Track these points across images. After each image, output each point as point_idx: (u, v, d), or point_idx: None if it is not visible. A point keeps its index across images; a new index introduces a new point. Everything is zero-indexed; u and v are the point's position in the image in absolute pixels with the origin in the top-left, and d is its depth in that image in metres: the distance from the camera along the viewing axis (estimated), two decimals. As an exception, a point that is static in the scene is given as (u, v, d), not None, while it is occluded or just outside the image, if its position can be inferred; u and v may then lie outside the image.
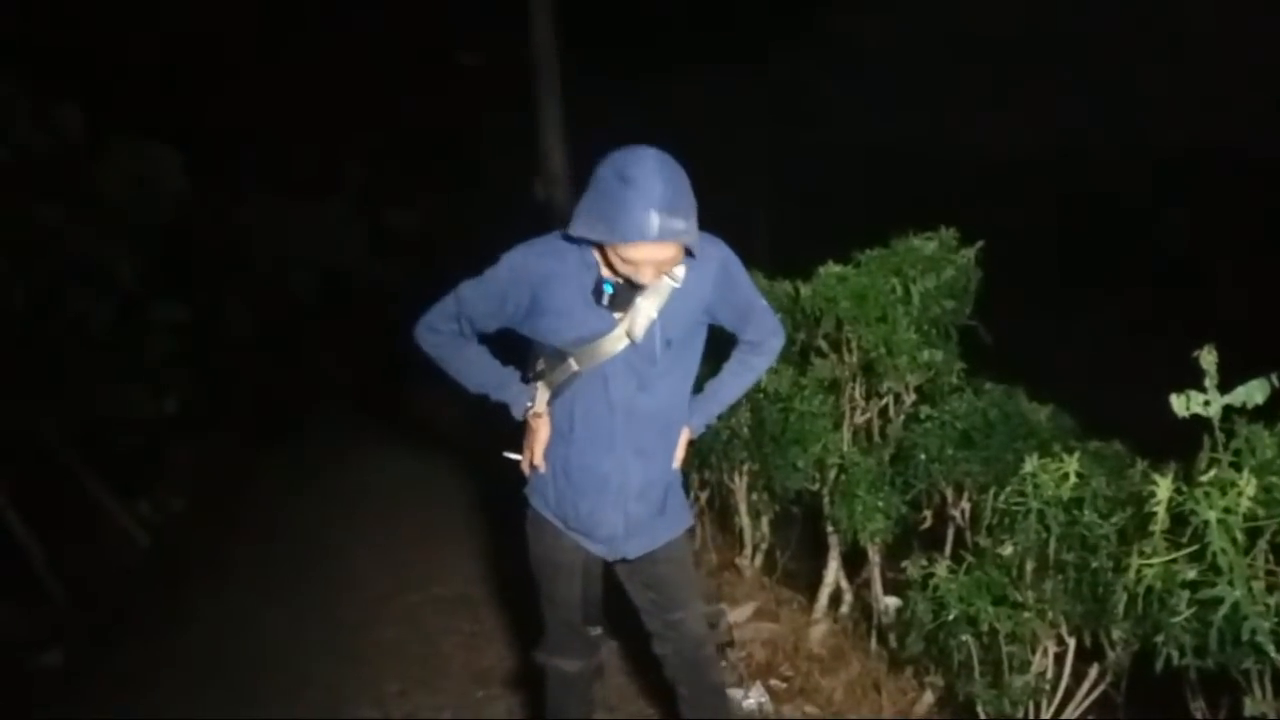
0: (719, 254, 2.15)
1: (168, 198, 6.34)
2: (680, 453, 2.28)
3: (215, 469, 6.86)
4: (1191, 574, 1.85)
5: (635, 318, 2.05)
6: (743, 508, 3.98)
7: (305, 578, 4.84)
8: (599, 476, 2.16)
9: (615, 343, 2.08)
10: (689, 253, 2.01)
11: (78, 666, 4.23)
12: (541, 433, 2.21)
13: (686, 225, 1.91)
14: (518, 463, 2.28)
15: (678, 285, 2.07)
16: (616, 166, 1.90)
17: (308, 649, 3.99)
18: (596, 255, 2.05)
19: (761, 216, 10.61)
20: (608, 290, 2.06)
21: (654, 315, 2.06)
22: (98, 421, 5.77)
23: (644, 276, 1.97)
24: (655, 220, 1.86)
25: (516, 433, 2.26)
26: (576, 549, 2.26)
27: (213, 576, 5.11)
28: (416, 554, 4.93)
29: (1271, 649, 1.75)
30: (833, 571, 3.55)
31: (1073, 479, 2.27)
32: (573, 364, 2.11)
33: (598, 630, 2.40)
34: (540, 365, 2.20)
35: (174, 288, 6.50)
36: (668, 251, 1.94)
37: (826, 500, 3.35)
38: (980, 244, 3.27)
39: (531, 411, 2.20)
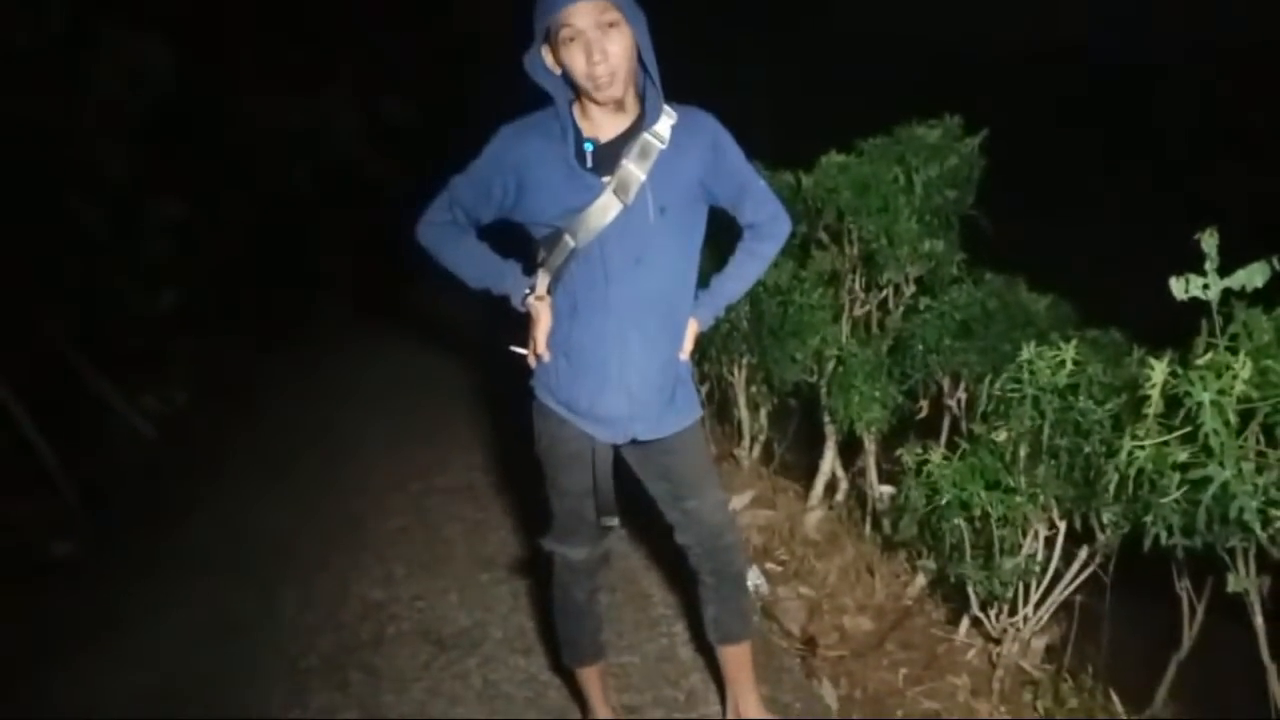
0: (709, 124, 2.11)
1: (160, 90, 6.22)
2: (688, 344, 2.25)
3: (218, 364, 6.87)
4: (1183, 455, 1.87)
5: (623, 178, 2.01)
6: (741, 400, 4.01)
7: (311, 468, 4.91)
8: (600, 356, 2.14)
9: (606, 209, 2.03)
10: (647, 71, 1.98)
11: (89, 557, 4.31)
12: (543, 319, 2.18)
13: None
14: (523, 356, 2.26)
15: (664, 146, 2.03)
16: None
17: (316, 536, 4.07)
18: (576, 112, 2.01)
19: (762, 105, 10.42)
20: (588, 149, 2.02)
21: (642, 177, 2.02)
22: (98, 319, 5.76)
23: (599, 68, 1.90)
24: None
25: (521, 326, 2.25)
26: (582, 436, 2.24)
27: (219, 468, 5.18)
28: (421, 445, 4.99)
29: (1258, 526, 1.78)
30: (829, 461, 3.60)
31: (1069, 366, 2.28)
32: (568, 240, 2.07)
33: (613, 520, 2.38)
34: (540, 253, 2.17)
35: (170, 183, 6.42)
36: (605, 12, 1.88)
37: (824, 391, 3.37)
38: (985, 131, 3.22)
39: (532, 297, 2.18)
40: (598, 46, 1.89)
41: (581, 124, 2.03)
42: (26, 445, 4.96)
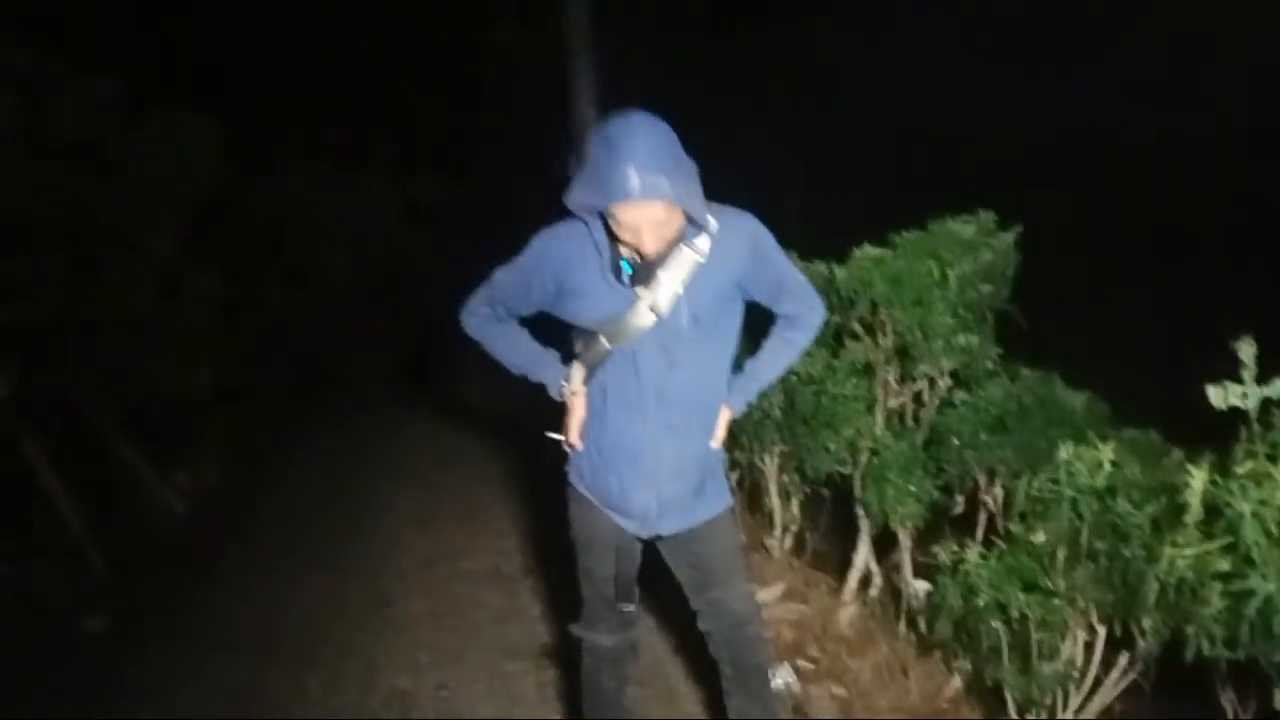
0: (749, 227, 2.17)
1: (205, 170, 6.41)
2: (720, 433, 2.28)
3: (251, 441, 6.97)
4: (1224, 565, 1.86)
5: (658, 293, 2.07)
6: (773, 489, 4.00)
7: (341, 549, 4.94)
8: (631, 453, 2.19)
9: (641, 320, 2.09)
10: (694, 223, 2.04)
11: (121, 632, 4.33)
12: (578, 411, 2.24)
13: (672, 184, 1.92)
14: (559, 442, 2.31)
15: (702, 260, 2.09)
16: (603, 132, 1.95)
17: (344, 617, 4.09)
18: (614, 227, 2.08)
19: (795, 198, 10.57)
20: (625, 269, 2.09)
21: (678, 290, 2.08)
22: (135, 393, 5.86)
23: (646, 245, 1.99)
24: (635, 178, 1.88)
25: (559, 412, 2.30)
26: (611, 525, 2.29)
27: (250, 546, 5.22)
28: (450, 528, 5.02)
29: (1304, 642, 1.76)
30: (862, 554, 3.57)
31: (1107, 467, 2.27)
32: (604, 342, 2.14)
33: (631, 607, 2.43)
34: (576, 345, 2.23)
35: (210, 261, 6.58)
36: (656, 211, 1.95)
37: (858, 483, 3.36)
38: (1019, 229, 3.26)
39: (568, 390, 2.23)
40: (649, 238, 1.98)
41: (620, 240, 2.07)
42: (58, 518, 5.03)
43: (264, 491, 6.18)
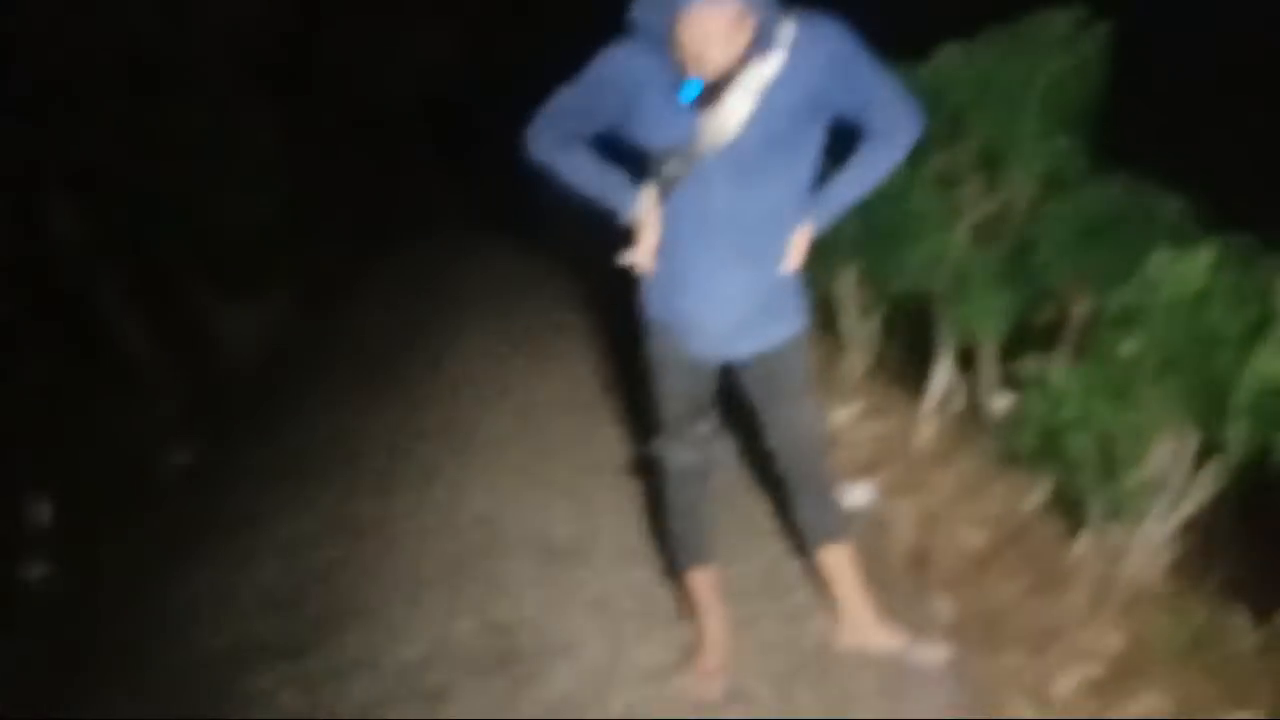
0: (830, 35, 2.09)
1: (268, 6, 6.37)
2: (797, 255, 2.28)
3: (323, 274, 7.12)
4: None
5: (727, 115, 2.05)
6: (850, 307, 4.03)
7: (416, 380, 5.13)
8: (703, 275, 2.23)
9: (711, 141, 2.08)
10: (767, 34, 2.00)
11: (207, 468, 4.59)
12: (649, 235, 2.26)
13: None
14: (632, 266, 2.35)
15: (776, 75, 2.04)
16: None
17: (426, 443, 4.30)
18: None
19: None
20: (694, 89, 2.05)
21: (748, 110, 2.05)
22: (201, 228, 6.00)
23: (714, 57, 1.96)
24: None
25: (631, 237, 2.33)
26: (683, 349, 2.36)
27: (326, 380, 5.44)
28: (525, 355, 5.17)
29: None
30: (943, 371, 3.61)
31: (1200, 275, 2.26)
32: (674, 166, 2.14)
33: (709, 425, 2.54)
34: (648, 168, 2.24)
35: (275, 95, 6.61)
36: (722, 20, 1.92)
37: (940, 299, 3.37)
38: (1114, 20, 3.12)
39: (639, 213, 2.25)
40: (716, 51, 1.95)
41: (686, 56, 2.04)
42: (135, 358, 5.27)
43: (337, 326, 6.38)
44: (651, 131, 2.14)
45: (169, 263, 5.82)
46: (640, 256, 2.30)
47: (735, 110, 2.05)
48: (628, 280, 2.41)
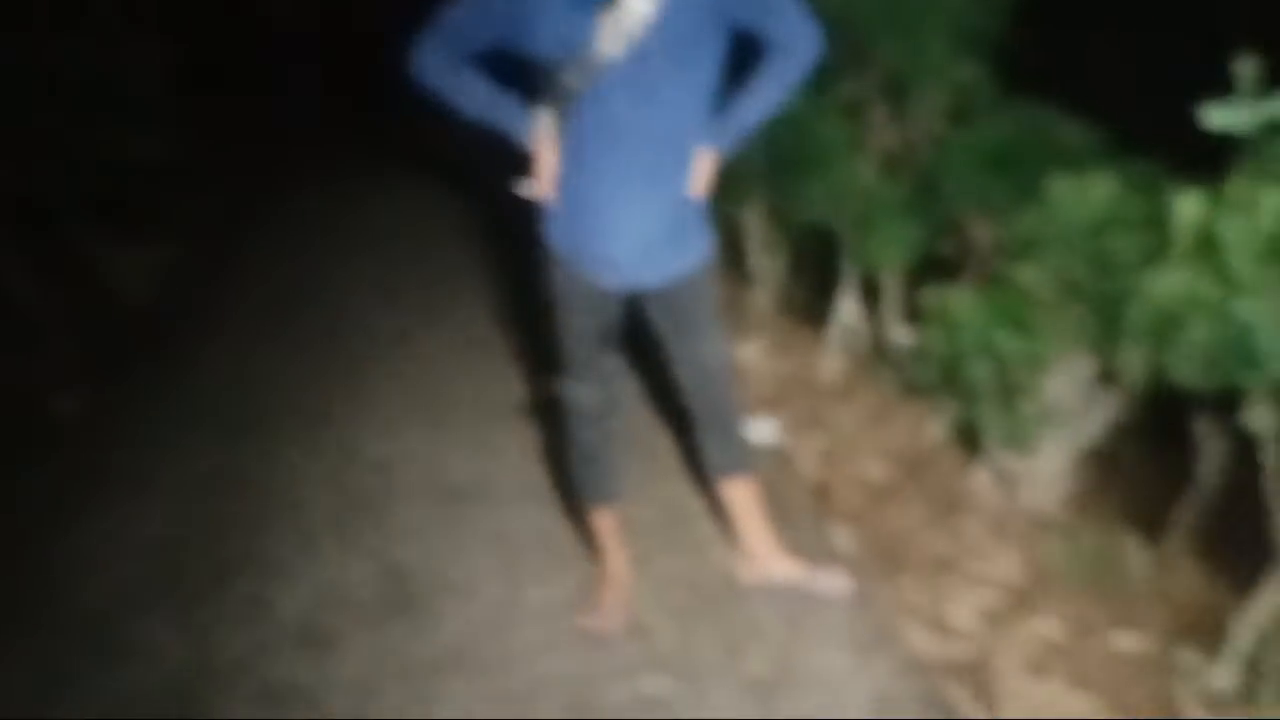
0: None
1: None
2: (700, 179, 2.24)
3: (215, 217, 6.91)
4: (1211, 293, 1.91)
5: (623, 18, 1.98)
6: (754, 241, 4.03)
7: (313, 321, 5.00)
8: (605, 199, 2.16)
9: (608, 49, 2.01)
10: None
11: (93, 415, 4.43)
12: (547, 158, 2.19)
13: None
14: (528, 195, 2.28)
15: None
16: None
17: (318, 389, 4.19)
18: None
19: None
20: None
21: (645, 13, 1.98)
22: (86, 168, 5.75)
23: None
24: None
25: (526, 163, 2.26)
26: (589, 280, 2.31)
27: (218, 325, 5.26)
28: (422, 296, 5.07)
29: (1280, 365, 1.83)
30: (847, 305, 3.64)
31: (1100, 202, 2.29)
32: (570, 80, 2.07)
33: (613, 362, 2.51)
34: (541, 86, 2.17)
35: (163, 29, 6.32)
36: None
37: (845, 232, 3.38)
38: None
39: (535, 136, 2.19)
40: None
41: None
42: (15, 302, 5.04)
43: (229, 269, 6.18)
44: (548, 39, 2.04)
45: (54, 203, 5.56)
46: (539, 183, 2.23)
47: (635, 9, 1.97)
48: (526, 212, 2.35)
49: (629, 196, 2.17)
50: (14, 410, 4.45)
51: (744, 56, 2.21)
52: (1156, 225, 2.20)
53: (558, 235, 2.30)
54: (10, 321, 4.97)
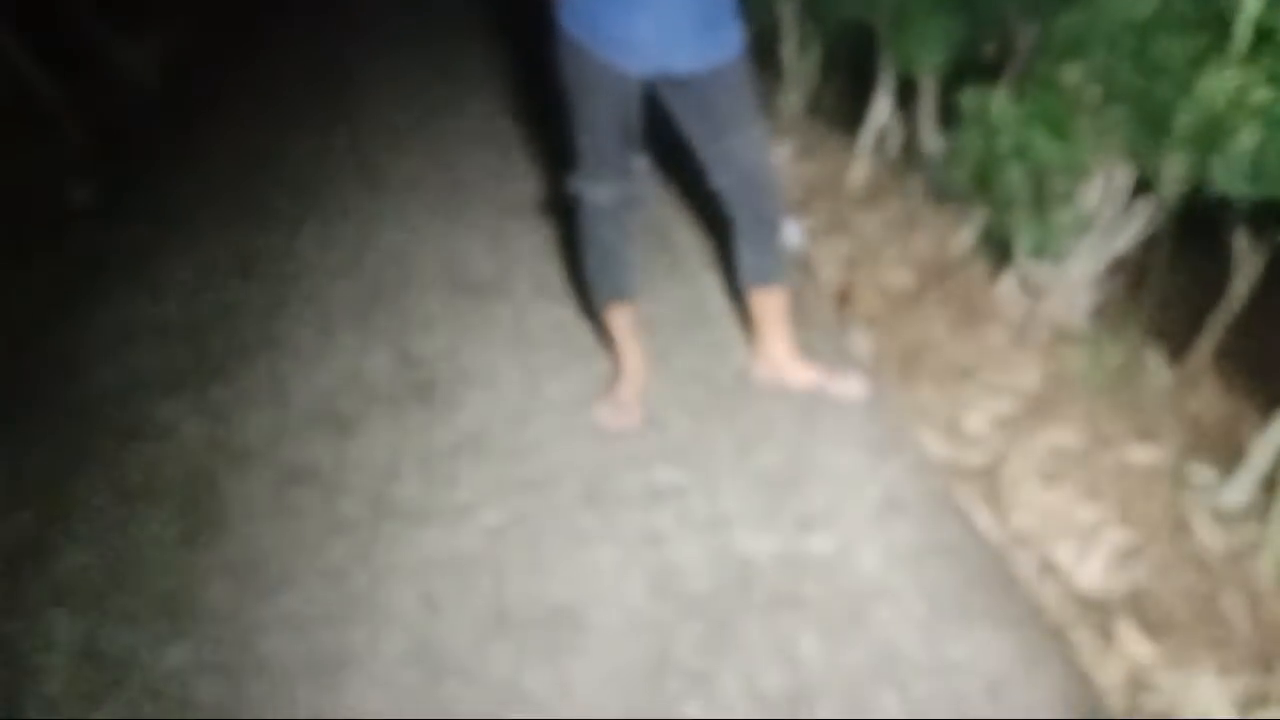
0: None
1: None
2: None
3: (224, 6, 6.72)
4: (1264, 95, 1.85)
5: None
6: (787, 40, 3.90)
7: (325, 106, 4.97)
8: None
9: None
10: None
11: (108, 203, 4.42)
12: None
13: None
14: None
15: None
16: None
17: (334, 178, 4.18)
18: None
19: None
20: None
21: None
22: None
23: None
24: None
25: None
26: (611, 66, 2.23)
27: (231, 113, 5.20)
28: (438, 87, 4.99)
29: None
30: (880, 108, 3.55)
31: (1153, -2, 2.20)
32: None
33: (642, 159, 2.44)
34: None
35: None
36: None
37: (882, 29, 3.26)
38: None
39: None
40: None
41: None
42: (30, 92, 4.97)
43: (240, 59, 6.05)
44: None
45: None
46: None
47: None
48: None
49: None
50: (29, 200, 4.46)
51: None
52: (1207, 25, 2.12)
53: (577, 18, 2.20)
54: (24, 113, 4.92)
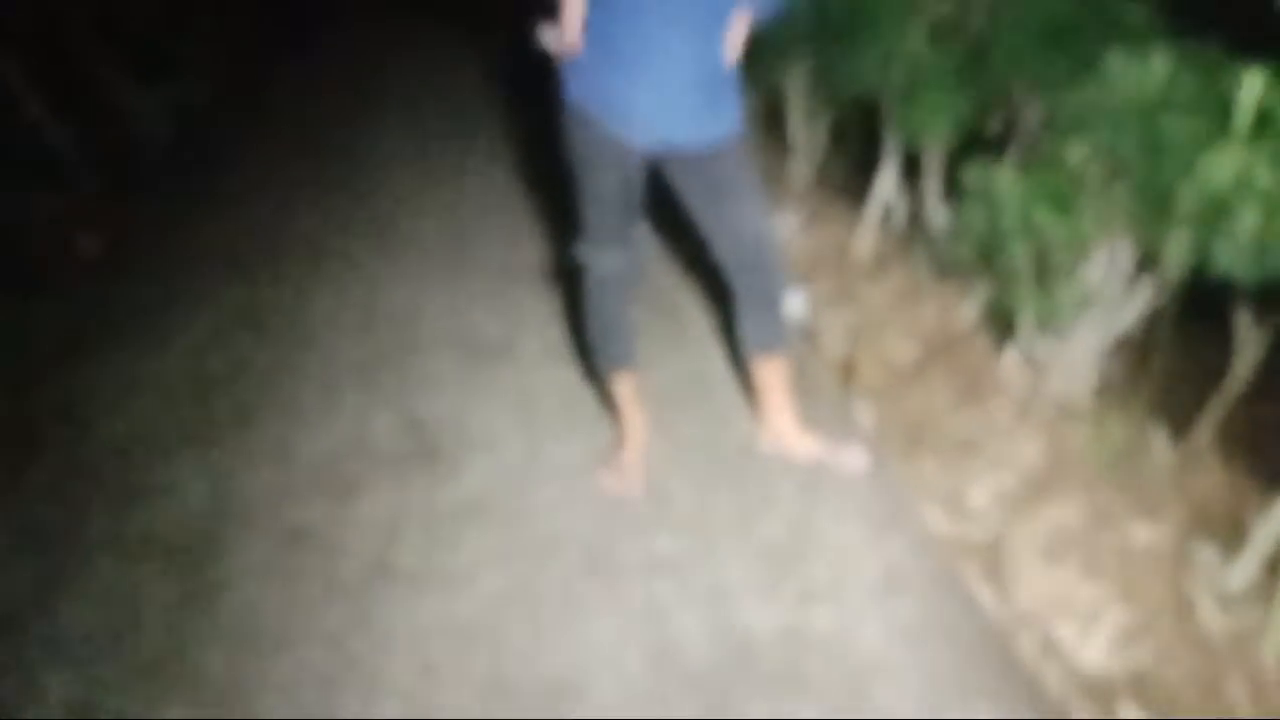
0: None
1: None
2: (737, 42, 2.19)
3: (236, 59, 6.84)
4: (1266, 178, 1.88)
5: None
6: (795, 111, 3.96)
7: (338, 170, 5.01)
8: (635, 49, 2.10)
9: None
10: None
11: (118, 253, 4.47)
12: (574, 6, 2.15)
13: None
14: (552, 42, 2.22)
15: None
16: None
17: (346, 239, 4.24)
18: None
19: None
20: None
21: None
22: (109, 6, 5.68)
23: None
24: None
25: (552, 12, 2.20)
26: (614, 138, 2.26)
27: (243, 166, 5.28)
28: (449, 149, 5.05)
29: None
30: (888, 179, 3.59)
31: (1157, 79, 2.24)
32: None
33: (639, 227, 2.47)
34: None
35: None
36: None
37: (890, 101, 3.31)
38: None
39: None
40: None
41: None
42: (43, 141, 5.04)
43: (255, 110, 6.16)
44: None
45: (76, 43, 5.51)
46: (565, 33, 2.17)
47: None
48: (550, 68, 2.30)
49: (663, 49, 2.10)
50: (38, 248, 4.50)
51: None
52: (1213, 108, 2.16)
53: (582, 89, 2.23)
54: (36, 160, 4.98)
